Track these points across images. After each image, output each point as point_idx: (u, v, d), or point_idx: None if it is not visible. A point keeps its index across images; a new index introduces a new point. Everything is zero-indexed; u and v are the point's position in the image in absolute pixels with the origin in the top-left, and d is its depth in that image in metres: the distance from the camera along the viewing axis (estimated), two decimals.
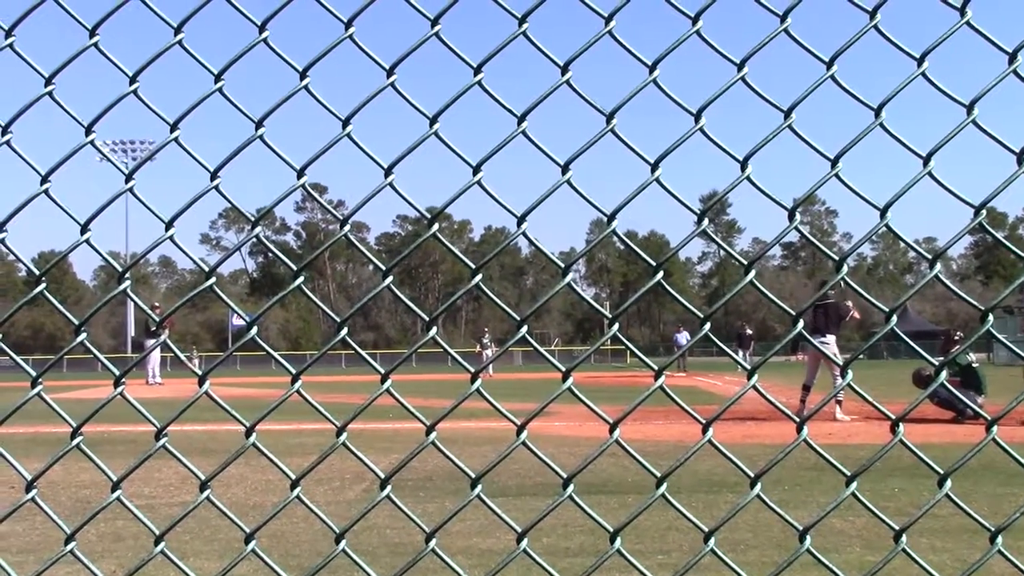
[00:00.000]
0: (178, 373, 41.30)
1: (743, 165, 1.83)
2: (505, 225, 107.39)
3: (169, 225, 1.94)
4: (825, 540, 5.79)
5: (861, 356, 2.19)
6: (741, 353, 43.22)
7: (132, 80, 1.95)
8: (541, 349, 2.02)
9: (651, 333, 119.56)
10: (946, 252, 1.76)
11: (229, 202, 1.97)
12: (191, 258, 2.15)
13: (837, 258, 1.83)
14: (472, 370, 1.93)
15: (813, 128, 1.90)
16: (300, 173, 1.91)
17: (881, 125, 1.79)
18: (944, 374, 1.91)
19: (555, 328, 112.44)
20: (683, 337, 49.71)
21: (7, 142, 1.95)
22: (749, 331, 48.67)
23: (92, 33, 1.96)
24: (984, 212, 1.75)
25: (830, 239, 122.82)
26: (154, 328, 28.47)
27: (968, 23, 1.76)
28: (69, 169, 1.99)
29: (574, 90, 1.86)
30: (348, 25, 1.90)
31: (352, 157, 2.04)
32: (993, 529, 1.85)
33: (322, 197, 2.43)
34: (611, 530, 1.92)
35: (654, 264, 1.87)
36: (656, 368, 1.89)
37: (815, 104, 1.92)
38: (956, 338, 16.16)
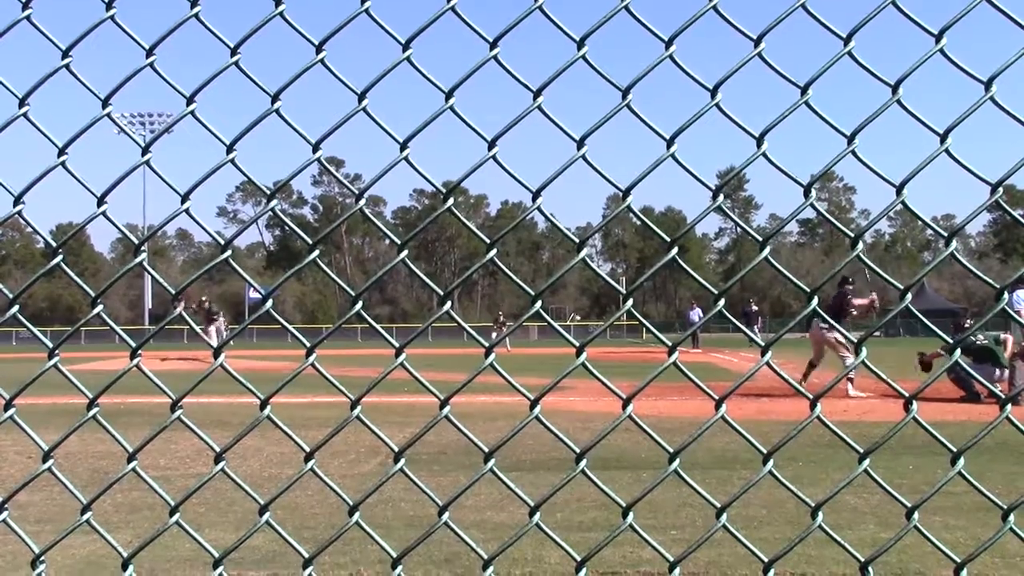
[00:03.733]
0: (195, 345, 41.46)
1: (759, 141, 1.82)
2: (521, 200, 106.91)
3: (185, 198, 1.94)
4: (838, 517, 5.80)
5: (876, 333, 2.17)
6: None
7: (149, 53, 1.95)
8: (555, 324, 2.03)
9: (667, 309, 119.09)
10: (963, 230, 1.76)
11: (245, 175, 1.98)
12: (207, 231, 2.16)
13: (853, 235, 1.82)
14: (487, 344, 1.94)
15: (830, 105, 1.89)
16: (316, 147, 1.91)
17: (899, 102, 1.78)
18: (958, 353, 1.90)
19: (571, 303, 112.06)
20: (696, 314, 49.20)
21: (25, 114, 1.96)
22: (755, 307, 48.14)
23: (109, 6, 1.96)
24: (1001, 190, 1.74)
25: (847, 216, 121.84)
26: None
27: None
28: (86, 142, 2.00)
29: (590, 65, 1.85)
30: None
31: (368, 131, 2.04)
32: (1006, 507, 1.85)
33: (338, 171, 2.44)
34: (624, 505, 1.93)
35: (669, 240, 1.87)
36: (670, 344, 1.89)
37: (832, 81, 1.90)
38: (965, 325, 16.06)
